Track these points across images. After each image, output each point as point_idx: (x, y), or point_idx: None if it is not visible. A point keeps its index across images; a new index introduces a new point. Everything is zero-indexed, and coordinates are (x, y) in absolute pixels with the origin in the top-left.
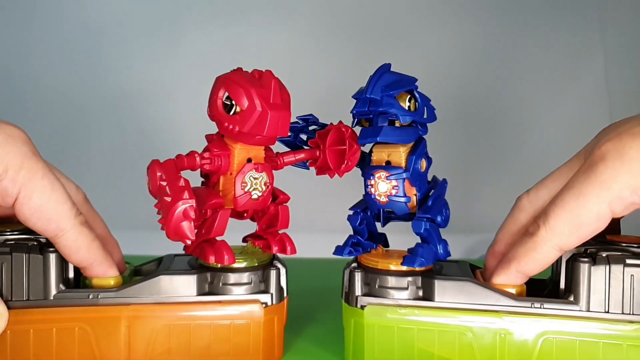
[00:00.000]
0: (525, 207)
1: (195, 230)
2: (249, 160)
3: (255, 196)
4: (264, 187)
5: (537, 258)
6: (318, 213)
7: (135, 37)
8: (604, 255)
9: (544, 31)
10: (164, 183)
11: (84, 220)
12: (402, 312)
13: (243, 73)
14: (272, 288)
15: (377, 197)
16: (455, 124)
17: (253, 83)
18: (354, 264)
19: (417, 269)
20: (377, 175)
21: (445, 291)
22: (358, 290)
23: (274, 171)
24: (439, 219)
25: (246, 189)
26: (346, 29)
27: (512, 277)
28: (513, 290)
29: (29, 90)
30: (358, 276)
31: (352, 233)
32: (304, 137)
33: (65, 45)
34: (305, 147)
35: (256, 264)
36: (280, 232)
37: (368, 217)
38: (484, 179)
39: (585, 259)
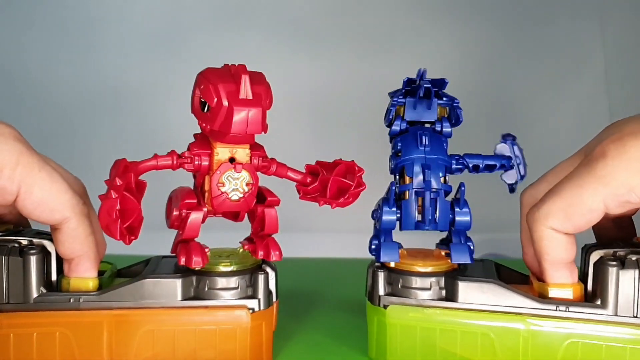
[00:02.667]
0: (529, 202)
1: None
2: (232, 160)
3: (235, 197)
4: (245, 188)
5: (547, 245)
6: (318, 213)
7: (134, 35)
8: (633, 259)
9: (544, 31)
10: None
11: (86, 212)
12: (424, 312)
13: (217, 69)
14: (260, 293)
15: None
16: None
17: (223, 79)
18: (377, 264)
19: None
20: None
21: (468, 292)
22: (381, 290)
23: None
24: (374, 215)
25: (223, 190)
26: (345, 32)
27: (555, 272)
28: (570, 290)
29: (25, 88)
30: (381, 276)
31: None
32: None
33: (63, 43)
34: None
35: (244, 268)
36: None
37: None
38: (484, 179)
39: (614, 263)
